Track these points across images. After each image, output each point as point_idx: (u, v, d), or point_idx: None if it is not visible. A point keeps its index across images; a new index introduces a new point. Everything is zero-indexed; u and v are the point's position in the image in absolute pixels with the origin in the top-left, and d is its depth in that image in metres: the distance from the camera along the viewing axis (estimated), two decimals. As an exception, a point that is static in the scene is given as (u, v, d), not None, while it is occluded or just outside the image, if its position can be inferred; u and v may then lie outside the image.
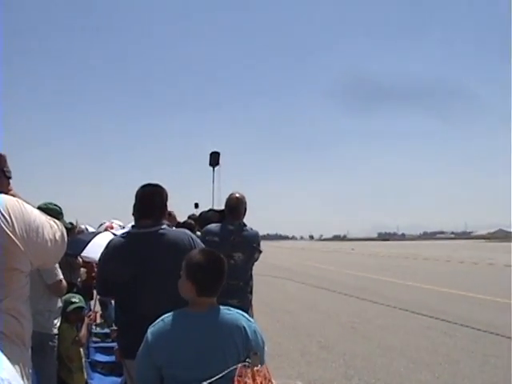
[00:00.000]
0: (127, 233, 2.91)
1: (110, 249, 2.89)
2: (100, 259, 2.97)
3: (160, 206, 2.90)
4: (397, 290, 14.52)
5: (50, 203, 4.05)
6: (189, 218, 7.31)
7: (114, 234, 7.15)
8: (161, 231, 2.80)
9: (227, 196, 4.10)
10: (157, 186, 2.97)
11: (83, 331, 4.16)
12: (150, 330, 2.10)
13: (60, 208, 4.13)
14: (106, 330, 6.05)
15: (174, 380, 2.04)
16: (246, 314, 2.17)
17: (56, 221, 1.93)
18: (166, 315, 2.14)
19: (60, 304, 3.79)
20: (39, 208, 2.00)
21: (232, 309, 2.16)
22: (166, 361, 2.04)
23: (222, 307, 2.15)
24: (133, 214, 2.92)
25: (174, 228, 3.00)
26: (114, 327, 5.87)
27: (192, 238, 2.82)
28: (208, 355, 2.01)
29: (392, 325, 9.03)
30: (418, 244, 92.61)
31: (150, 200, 2.87)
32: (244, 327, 2.08)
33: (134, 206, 2.90)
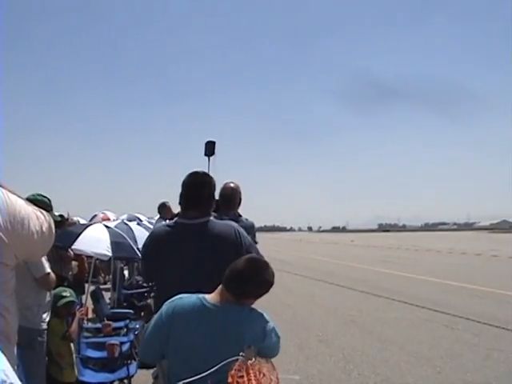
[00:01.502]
0: (174, 222, 2.90)
1: (155, 238, 2.88)
2: (144, 247, 2.96)
3: (208, 196, 2.89)
4: (397, 283, 14.58)
5: (39, 194, 4.01)
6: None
7: (107, 227, 7.17)
8: (209, 223, 2.80)
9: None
10: (205, 174, 2.97)
11: (73, 326, 4.14)
12: (167, 305, 2.19)
13: (49, 200, 4.09)
14: (98, 325, 6.04)
15: (180, 363, 2.09)
16: (264, 313, 2.21)
17: (43, 212, 1.90)
18: (185, 294, 2.22)
19: (49, 298, 3.77)
20: (27, 199, 1.96)
21: (253, 308, 2.21)
22: (177, 341, 2.10)
23: (240, 306, 2.18)
24: (179, 203, 2.91)
25: (217, 220, 2.96)
26: (106, 322, 5.88)
27: (238, 232, 2.81)
28: (220, 347, 2.02)
29: (392, 318, 9.07)
30: (420, 235, 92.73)
31: (199, 190, 2.86)
32: (263, 327, 2.15)
33: (181, 194, 2.88)
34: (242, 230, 2.85)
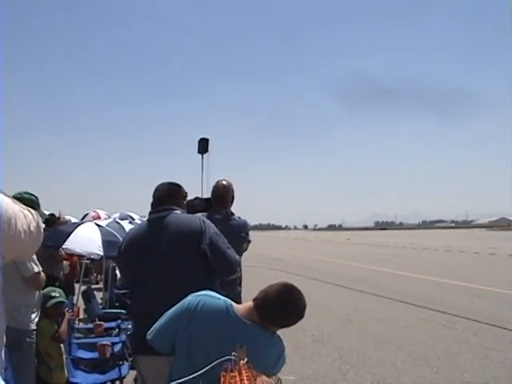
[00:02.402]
0: (146, 220, 2.99)
1: (126, 238, 3.00)
2: (118, 250, 3.05)
3: (176, 197, 2.98)
4: (394, 281, 14.63)
5: (26, 192, 3.97)
6: None
7: (98, 225, 7.16)
8: (170, 215, 2.84)
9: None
10: (174, 184, 3.06)
11: (63, 327, 4.12)
12: (194, 296, 2.22)
13: (36, 197, 4.05)
14: (90, 325, 6.03)
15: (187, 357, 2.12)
16: (280, 341, 2.23)
17: (31, 210, 1.88)
18: (213, 293, 2.26)
19: (38, 298, 3.75)
20: (14, 198, 1.94)
21: (275, 333, 2.23)
22: (192, 338, 2.14)
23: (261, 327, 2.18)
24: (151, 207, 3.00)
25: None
26: (98, 322, 5.87)
27: (203, 221, 2.83)
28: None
29: (389, 317, 9.10)
30: (417, 233, 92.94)
31: (165, 192, 2.97)
32: (275, 353, 2.18)
33: (151, 203, 3.00)
34: (207, 221, 2.88)
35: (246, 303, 2.25)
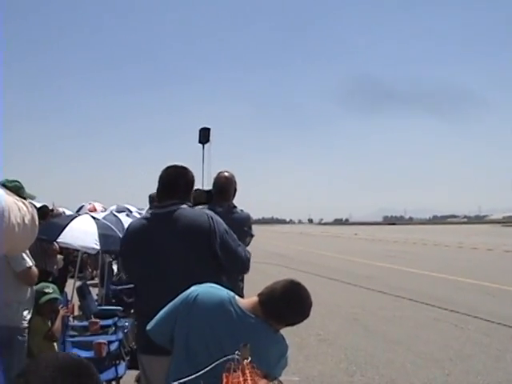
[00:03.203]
0: (150, 213, 2.98)
1: (129, 231, 2.98)
2: (120, 243, 3.07)
3: (184, 188, 2.95)
4: (404, 279, 14.62)
5: (7, 180, 3.93)
6: None
7: (94, 218, 7.14)
8: (180, 210, 2.82)
9: (216, 175, 4.06)
10: (181, 167, 3.02)
11: (57, 325, 4.12)
12: (197, 287, 2.24)
13: (19, 182, 4.01)
14: (85, 323, 6.02)
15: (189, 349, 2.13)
16: (285, 342, 2.24)
17: (26, 202, 1.85)
18: (216, 285, 2.28)
19: (30, 294, 3.73)
20: None
21: (279, 330, 2.24)
22: (191, 329, 2.14)
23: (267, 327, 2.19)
24: (157, 198, 3.00)
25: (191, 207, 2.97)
26: (93, 319, 5.86)
27: (212, 218, 2.81)
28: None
29: (398, 316, 9.09)
30: (427, 229, 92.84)
31: (173, 181, 2.93)
32: (279, 352, 2.20)
33: (157, 189, 2.97)
34: (216, 217, 2.86)
35: (251, 298, 2.25)
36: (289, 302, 2.15)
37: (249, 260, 2.97)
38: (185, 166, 3.04)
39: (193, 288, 2.24)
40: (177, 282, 2.52)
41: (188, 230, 2.74)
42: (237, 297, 2.23)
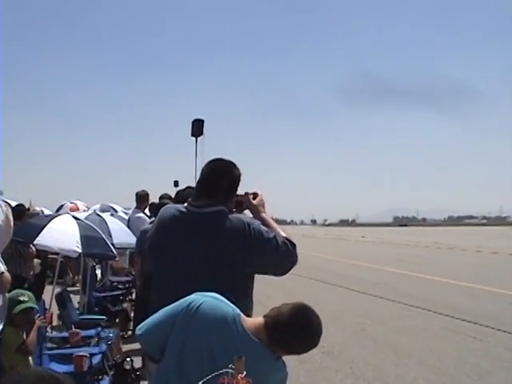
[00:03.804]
0: (185, 208, 2.93)
1: (163, 220, 2.96)
2: (149, 235, 3.04)
3: (227, 188, 2.94)
4: (416, 286, 14.65)
5: None
6: (161, 198, 7.22)
7: (75, 218, 7.13)
8: (214, 215, 2.80)
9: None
10: (228, 162, 3.00)
11: (32, 337, 4.10)
12: (199, 296, 2.22)
13: None
14: (64, 334, 6.01)
15: (181, 364, 2.11)
16: (286, 370, 2.27)
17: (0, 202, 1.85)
18: (220, 296, 2.25)
19: (3, 303, 3.71)
20: None
21: (281, 359, 2.25)
22: (188, 341, 2.12)
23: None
24: (195, 190, 3.01)
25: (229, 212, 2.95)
26: (74, 330, 5.84)
27: (250, 227, 2.78)
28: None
29: (410, 327, 9.10)
30: (442, 231, 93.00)
31: (215, 179, 2.92)
32: (277, 381, 2.22)
33: (196, 183, 2.98)
34: (254, 225, 2.83)
35: (256, 318, 2.24)
36: (297, 331, 2.15)
37: (291, 256, 2.93)
38: (232, 161, 3.01)
39: (194, 296, 2.23)
40: (203, 286, 2.51)
41: (224, 237, 2.73)
42: (242, 315, 2.22)
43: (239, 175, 3.00)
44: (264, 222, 2.92)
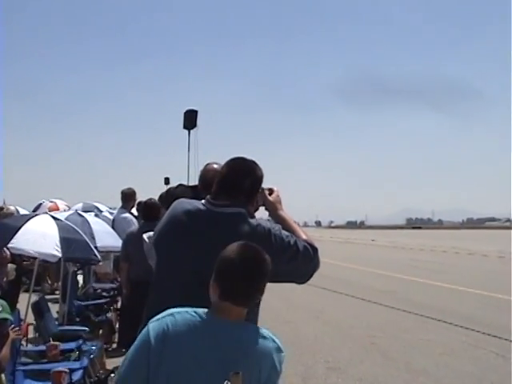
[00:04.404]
0: (203, 205, 2.91)
1: (170, 217, 2.94)
2: (159, 228, 3.02)
3: (249, 189, 2.93)
4: (432, 295, 14.66)
5: None
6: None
7: (54, 218, 7.10)
8: (232, 217, 2.80)
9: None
10: (251, 162, 3.00)
11: (4, 351, 4.08)
12: (155, 323, 2.14)
13: None
14: (41, 347, 5.98)
15: None
16: (277, 340, 2.23)
17: None
18: (177, 309, 2.18)
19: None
20: None
21: (262, 329, 2.23)
22: (170, 370, 2.06)
23: (250, 324, 2.26)
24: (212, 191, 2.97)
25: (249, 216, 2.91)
26: (52, 342, 5.82)
27: (271, 233, 2.77)
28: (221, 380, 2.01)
29: (425, 341, 9.10)
30: (461, 234, 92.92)
31: (236, 179, 2.91)
32: (273, 360, 2.16)
33: (216, 181, 2.96)
34: (276, 231, 2.81)
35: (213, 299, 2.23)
36: (240, 268, 2.16)
37: (312, 261, 2.88)
38: (254, 160, 3.01)
39: (153, 324, 2.15)
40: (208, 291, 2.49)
41: (237, 239, 2.68)
42: (205, 310, 2.19)
43: (262, 176, 3.00)
44: (282, 221, 2.93)
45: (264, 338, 2.17)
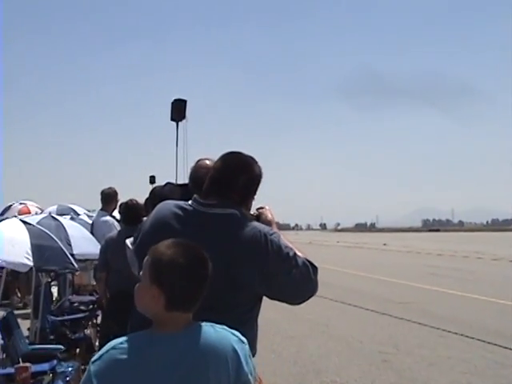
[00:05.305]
0: (190, 206, 2.89)
1: (158, 222, 2.91)
2: (142, 231, 3.02)
3: (245, 187, 2.93)
4: (451, 306, 14.68)
5: None
6: (129, 202, 7.18)
7: (25, 223, 7.09)
8: (225, 217, 2.79)
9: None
10: (247, 157, 3.00)
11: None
12: (97, 363, 2.04)
13: None
14: (10, 370, 5.97)
15: None
16: (236, 332, 2.18)
17: None
18: (118, 340, 2.10)
19: None
20: None
21: (217, 325, 2.16)
22: None
23: (203, 324, 2.15)
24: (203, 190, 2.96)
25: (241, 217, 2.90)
26: (22, 364, 5.82)
27: (267, 239, 2.74)
28: None
29: (444, 358, 9.10)
30: (484, 237, 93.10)
31: (230, 175, 2.91)
32: (236, 351, 2.10)
33: (208, 178, 2.96)
34: (274, 238, 2.78)
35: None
36: (180, 266, 2.10)
37: (311, 282, 2.83)
38: (253, 157, 3.01)
39: (95, 365, 2.04)
40: (200, 309, 2.48)
41: (230, 248, 2.69)
42: (150, 328, 2.13)
43: (260, 175, 2.99)
44: None
45: (221, 334, 2.13)
